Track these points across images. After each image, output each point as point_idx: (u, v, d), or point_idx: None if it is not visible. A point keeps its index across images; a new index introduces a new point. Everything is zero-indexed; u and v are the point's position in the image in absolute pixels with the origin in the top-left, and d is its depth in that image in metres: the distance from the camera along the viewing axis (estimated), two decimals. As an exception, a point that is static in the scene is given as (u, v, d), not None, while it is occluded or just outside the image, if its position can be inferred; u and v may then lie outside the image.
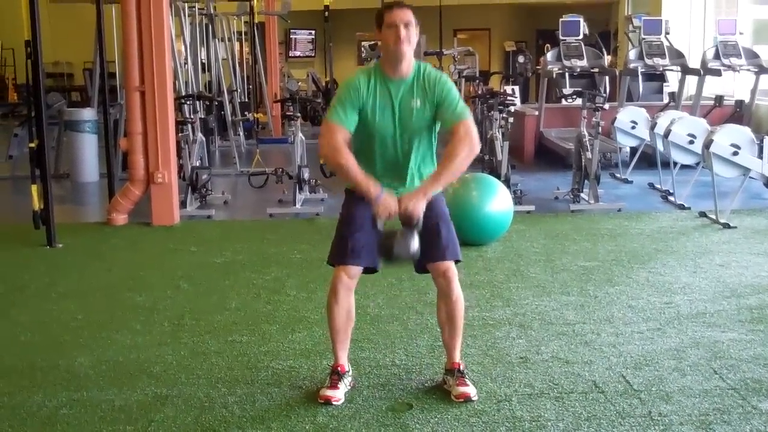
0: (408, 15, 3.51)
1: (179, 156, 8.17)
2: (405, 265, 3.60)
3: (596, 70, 11.69)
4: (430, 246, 3.56)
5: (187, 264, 6.23)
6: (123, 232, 7.40)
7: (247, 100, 14.98)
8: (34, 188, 6.90)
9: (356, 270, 3.62)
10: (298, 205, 8.17)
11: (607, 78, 12.12)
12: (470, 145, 3.51)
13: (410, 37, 3.50)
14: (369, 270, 3.68)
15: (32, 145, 6.91)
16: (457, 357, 3.78)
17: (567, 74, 11.70)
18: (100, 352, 4.34)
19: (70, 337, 4.60)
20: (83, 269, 6.18)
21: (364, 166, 3.53)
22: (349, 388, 3.75)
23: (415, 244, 3.42)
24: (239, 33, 15.57)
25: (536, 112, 11.68)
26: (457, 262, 3.67)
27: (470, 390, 3.67)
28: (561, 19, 11.78)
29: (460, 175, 3.76)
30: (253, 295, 5.33)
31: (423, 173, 3.65)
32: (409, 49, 3.51)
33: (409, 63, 3.55)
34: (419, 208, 3.44)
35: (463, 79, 16.30)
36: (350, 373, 3.80)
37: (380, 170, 3.61)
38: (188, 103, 8.89)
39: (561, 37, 11.57)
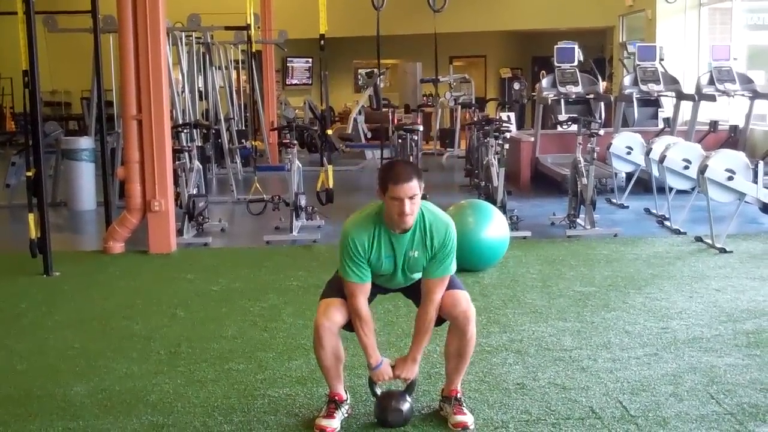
0: (413, 188, 3.43)
1: (176, 184, 8.19)
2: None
3: (591, 96, 11.76)
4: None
5: (184, 292, 6.22)
6: (120, 261, 7.41)
7: (244, 127, 15.03)
8: (31, 217, 6.91)
9: (332, 333, 3.63)
10: (295, 232, 8.18)
11: (602, 104, 12.19)
12: (435, 308, 3.63)
13: (415, 208, 3.47)
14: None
15: (29, 173, 6.93)
16: (457, 385, 3.78)
17: (562, 100, 11.77)
18: (97, 381, 4.33)
19: (67, 366, 4.59)
20: (80, 298, 6.18)
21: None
22: (346, 416, 3.75)
23: (406, 407, 3.70)
24: (236, 61, 15.66)
25: (532, 139, 11.73)
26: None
27: (467, 419, 3.67)
28: (556, 46, 11.86)
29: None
30: (249, 323, 5.33)
31: None
32: (413, 219, 3.50)
33: (413, 223, 3.55)
34: (413, 373, 3.70)
35: (459, 106, 16.43)
36: (347, 401, 3.79)
37: (381, 286, 3.77)
38: (185, 131, 8.92)
39: (556, 64, 11.65)
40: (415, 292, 3.74)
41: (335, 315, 3.60)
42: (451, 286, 3.65)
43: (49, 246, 6.89)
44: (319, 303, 3.69)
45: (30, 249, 6.92)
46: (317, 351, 3.64)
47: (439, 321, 3.72)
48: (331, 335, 3.61)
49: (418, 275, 3.68)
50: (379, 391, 3.76)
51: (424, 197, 3.64)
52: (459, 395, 3.76)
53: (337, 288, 3.67)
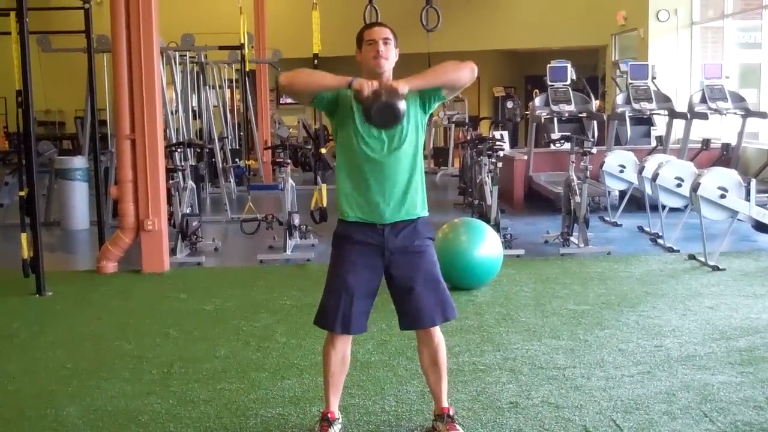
0: (387, 32, 3.56)
1: (169, 203, 8.18)
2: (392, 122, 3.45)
3: (584, 114, 11.81)
4: (415, 312, 3.60)
5: (177, 311, 6.21)
6: (113, 280, 7.39)
7: (238, 147, 15.04)
8: (23, 236, 6.90)
9: (345, 338, 3.64)
10: (288, 251, 8.17)
11: (595, 122, 12.24)
12: (467, 65, 3.53)
13: (389, 52, 3.54)
14: None
15: (22, 193, 6.92)
16: (445, 401, 3.76)
17: (555, 119, 11.83)
18: (89, 401, 4.31)
19: (59, 386, 4.57)
20: (72, 317, 6.16)
21: (352, 186, 3.56)
22: (339, 435, 3.74)
23: (400, 101, 3.38)
24: (230, 80, 15.69)
25: (525, 157, 11.75)
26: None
27: (461, 435, 3.66)
28: (549, 65, 11.92)
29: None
30: (242, 343, 5.32)
31: (412, 200, 3.61)
32: (388, 65, 3.53)
33: (388, 79, 3.54)
34: (401, 86, 3.40)
35: (453, 125, 16.47)
36: (340, 420, 3.78)
37: (366, 190, 3.56)
38: (179, 150, 8.93)
39: (549, 83, 11.70)
40: (403, 279, 3.61)
41: (341, 338, 3.64)
42: (431, 320, 3.63)
43: (41, 265, 6.88)
44: (317, 319, 3.67)
45: (23, 268, 6.90)
46: (326, 353, 3.66)
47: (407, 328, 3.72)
48: (345, 340, 3.65)
49: (403, 158, 3.55)
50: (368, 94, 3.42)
51: None
52: (451, 412, 3.74)
53: (333, 309, 3.61)
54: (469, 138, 12.98)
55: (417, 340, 3.73)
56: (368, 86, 3.39)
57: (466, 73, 3.53)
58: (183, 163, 8.86)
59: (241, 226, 9.20)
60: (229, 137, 14.59)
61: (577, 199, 8.02)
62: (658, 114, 12.08)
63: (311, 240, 8.76)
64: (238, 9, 12.47)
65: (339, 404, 3.80)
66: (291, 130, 17.54)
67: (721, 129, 12.25)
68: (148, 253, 7.58)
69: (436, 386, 3.75)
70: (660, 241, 8.33)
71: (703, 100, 11.16)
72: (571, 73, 11.79)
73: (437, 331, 3.66)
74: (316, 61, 8.95)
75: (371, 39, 3.53)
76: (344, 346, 3.66)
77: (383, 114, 3.38)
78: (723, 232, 7.50)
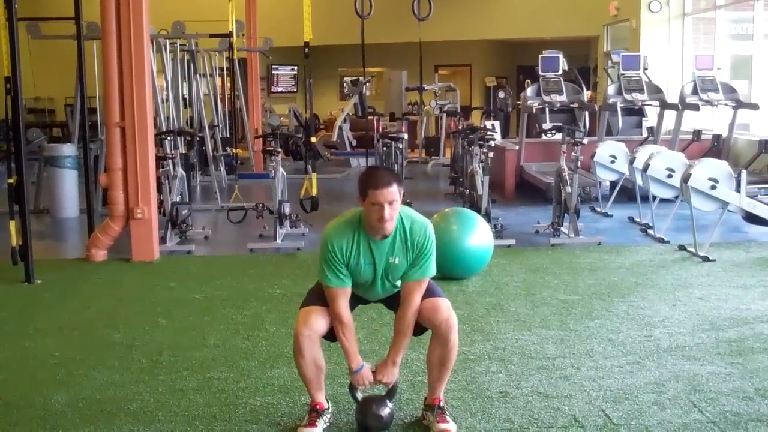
0: (393, 193, 3.44)
1: (159, 191, 8.15)
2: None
3: (576, 105, 11.80)
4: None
5: (166, 300, 6.19)
6: (102, 269, 7.36)
7: (229, 135, 15.00)
8: (12, 224, 6.87)
9: (312, 343, 3.62)
10: (278, 240, 8.15)
11: (586, 113, 12.23)
12: (414, 311, 3.61)
13: (395, 213, 3.48)
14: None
15: (11, 180, 6.88)
16: (440, 393, 3.76)
17: (547, 109, 11.81)
18: (77, 390, 4.29)
19: (47, 375, 4.55)
20: (61, 306, 6.14)
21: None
22: (328, 424, 3.74)
23: (386, 412, 3.68)
24: (221, 68, 15.63)
25: (516, 147, 11.75)
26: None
27: (450, 426, 3.66)
28: (541, 55, 11.89)
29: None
30: (232, 331, 5.30)
31: None
32: (392, 225, 3.51)
33: (393, 228, 3.54)
34: (393, 377, 3.68)
35: (444, 114, 16.46)
36: (329, 409, 3.78)
37: (361, 296, 3.76)
38: (169, 138, 8.89)
39: (541, 73, 11.68)
40: (395, 302, 3.71)
41: (315, 323, 3.58)
42: (431, 293, 3.65)
43: (30, 253, 6.85)
44: (298, 312, 3.67)
45: (11, 256, 6.87)
46: (297, 360, 3.63)
47: (421, 330, 3.71)
48: (311, 344, 3.59)
49: (398, 285, 3.67)
50: (359, 396, 3.74)
51: (408, 204, 3.64)
52: (442, 404, 3.74)
53: (317, 296, 3.66)
54: (460, 128, 12.97)
55: (432, 336, 3.70)
56: (364, 384, 3.69)
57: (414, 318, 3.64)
58: (173, 152, 8.83)
59: (227, 215, 9.18)
60: (220, 125, 14.54)
61: (568, 189, 8.03)
62: (650, 105, 12.08)
63: (302, 229, 8.75)
64: (228, -3, 12.40)
65: (327, 394, 3.80)
66: (282, 118, 17.50)
67: (712, 120, 12.27)
68: (138, 241, 7.55)
69: (436, 381, 3.75)
70: (650, 231, 8.34)
71: (695, 92, 11.16)
72: (562, 64, 11.77)
73: (455, 336, 3.64)
74: (307, 49, 8.91)
75: (377, 202, 3.43)
76: (312, 351, 3.61)
77: (372, 422, 3.68)
78: (713, 223, 7.52)
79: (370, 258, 3.56)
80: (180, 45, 12.84)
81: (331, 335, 3.66)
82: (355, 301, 3.71)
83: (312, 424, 3.66)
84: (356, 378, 3.66)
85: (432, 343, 3.70)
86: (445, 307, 3.62)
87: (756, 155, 10.40)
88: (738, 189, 7.30)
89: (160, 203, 8.23)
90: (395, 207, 3.46)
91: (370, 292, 3.71)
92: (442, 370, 3.71)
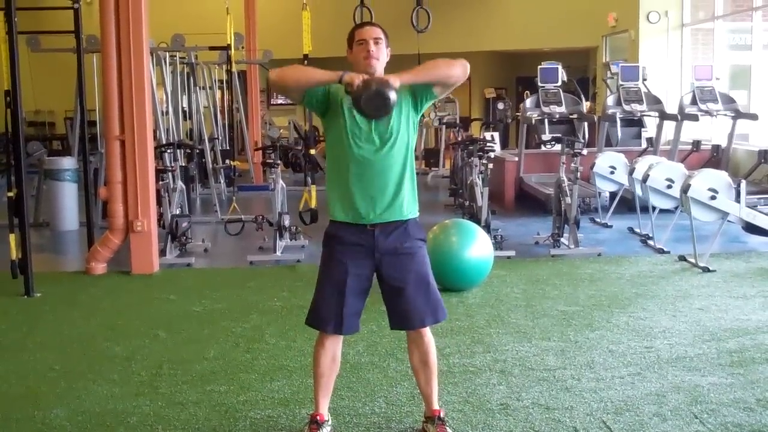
0: (378, 32, 3.55)
1: (159, 204, 8.15)
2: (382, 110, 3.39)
3: (575, 116, 11.81)
4: (405, 312, 3.60)
5: (166, 313, 6.18)
6: (102, 281, 7.35)
7: (228, 147, 15.00)
8: (12, 237, 6.86)
9: (336, 338, 3.63)
10: (278, 253, 8.15)
11: (585, 124, 12.25)
12: (459, 62, 3.50)
13: (380, 52, 3.53)
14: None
15: (11, 194, 6.88)
16: (436, 404, 3.74)
17: (546, 120, 11.81)
18: (77, 403, 4.28)
19: (47, 388, 4.54)
20: (61, 319, 6.12)
21: (342, 185, 3.54)
22: (328, 437, 3.72)
23: (391, 94, 3.34)
24: (221, 81, 15.65)
25: (516, 158, 11.76)
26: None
27: (451, 437, 3.65)
28: (540, 67, 11.92)
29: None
30: (232, 344, 5.29)
31: (402, 201, 3.59)
32: (378, 65, 3.52)
33: (378, 67, 3.54)
34: (391, 78, 3.40)
35: (444, 126, 16.47)
36: (329, 422, 3.77)
37: (356, 190, 3.53)
38: (169, 151, 8.90)
39: (540, 84, 11.70)
40: (394, 289, 3.61)
41: (331, 338, 3.64)
42: (421, 322, 3.62)
43: (30, 266, 6.84)
44: (309, 319, 3.67)
45: (11, 269, 6.86)
46: (316, 352, 3.66)
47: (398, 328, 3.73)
48: (335, 338, 3.64)
49: (394, 158, 3.53)
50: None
51: None
52: (442, 415, 3.73)
53: (324, 309, 3.61)
54: (459, 139, 12.96)
55: (407, 340, 3.72)
56: (359, 78, 3.38)
57: (458, 70, 3.50)
58: (173, 164, 8.83)
59: (225, 227, 9.18)
60: (220, 138, 14.56)
61: (568, 200, 8.02)
62: (649, 115, 12.09)
63: (301, 241, 8.74)
64: (225, 9, 12.43)
65: (329, 406, 3.79)
66: (281, 131, 17.51)
67: (711, 130, 12.28)
68: (138, 254, 7.55)
69: (426, 387, 3.73)
70: (650, 242, 8.34)
71: (694, 102, 11.18)
72: (562, 75, 11.79)
73: (427, 332, 3.65)
74: (306, 62, 8.93)
75: (362, 39, 3.52)
76: (335, 347, 3.65)
77: (373, 102, 3.34)
78: (713, 233, 7.51)
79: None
80: (180, 58, 12.87)
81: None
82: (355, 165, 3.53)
83: (312, 436, 3.65)
84: (350, 75, 3.41)
85: (409, 345, 3.72)
86: (417, 307, 3.60)
87: (755, 165, 10.41)
88: (738, 199, 7.30)
89: (160, 216, 8.22)
90: (380, 47, 3.52)
91: (364, 167, 3.52)
92: (426, 371, 3.69)
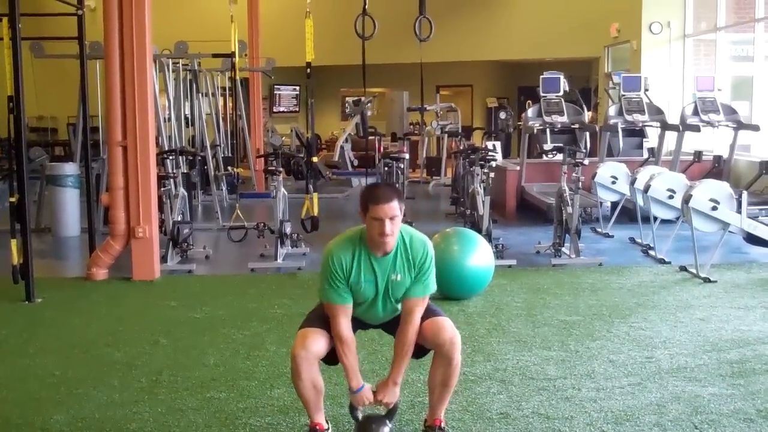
0: (394, 208, 3.45)
1: (161, 210, 8.16)
2: None
3: (576, 126, 11.80)
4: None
5: (167, 319, 6.18)
6: (103, 287, 7.36)
7: (231, 155, 15.02)
8: (13, 242, 6.87)
9: (310, 366, 3.59)
10: (279, 260, 8.15)
11: (587, 134, 12.25)
12: (415, 329, 3.60)
13: (396, 229, 3.48)
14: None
15: (13, 199, 6.89)
16: (441, 414, 3.75)
17: (548, 130, 11.83)
18: (77, 409, 4.28)
19: (47, 394, 4.55)
20: (62, 324, 6.13)
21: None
22: (328, 445, 3.72)
23: (385, 431, 3.66)
24: (223, 88, 15.68)
25: (518, 167, 11.76)
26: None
27: (451, 447, 3.64)
28: (542, 76, 11.92)
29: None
30: (232, 351, 5.29)
31: None
32: (394, 240, 3.51)
33: (394, 244, 3.55)
34: (393, 397, 3.65)
35: (446, 135, 16.50)
36: (329, 430, 3.76)
37: (361, 319, 3.73)
38: (171, 158, 8.91)
39: (542, 94, 11.70)
40: (395, 327, 3.68)
41: (313, 345, 3.55)
42: (433, 313, 3.64)
43: (31, 272, 6.85)
44: (297, 334, 3.66)
45: (12, 275, 6.87)
46: (295, 382, 3.61)
47: (423, 351, 3.69)
48: (309, 366, 3.55)
49: (399, 307, 3.65)
50: (359, 416, 3.72)
51: (409, 223, 3.64)
52: (443, 424, 3.74)
53: (317, 317, 3.64)
54: (461, 148, 12.98)
55: (434, 356, 3.68)
56: (361, 410, 3.68)
57: (414, 334, 3.61)
58: (175, 171, 8.84)
59: (228, 234, 9.19)
60: (222, 145, 14.58)
61: (569, 209, 8.03)
62: (651, 126, 12.09)
63: (302, 249, 8.75)
64: (230, 17, 12.45)
65: (327, 415, 3.79)
66: (284, 138, 17.53)
67: (713, 141, 12.28)
68: (139, 260, 7.55)
69: (437, 402, 3.73)
70: (651, 252, 8.34)
71: (696, 113, 11.18)
72: (564, 85, 11.79)
73: (459, 355, 3.62)
74: (309, 70, 8.94)
75: (378, 217, 3.44)
76: (310, 373, 3.58)
77: None
78: (714, 244, 7.51)
79: (371, 275, 3.55)
80: (182, 65, 12.89)
81: (329, 358, 3.64)
82: (356, 324, 3.68)
83: (311, 444, 3.65)
84: (356, 398, 3.63)
85: (434, 362, 3.68)
86: (449, 326, 3.61)
87: (757, 176, 10.41)
88: (739, 210, 7.30)
89: (162, 222, 8.23)
90: (396, 223, 3.46)
91: (371, 312, 3.68)
92: (443, 391, 3.69)
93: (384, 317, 3.73)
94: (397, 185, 10.78)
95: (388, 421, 3.70)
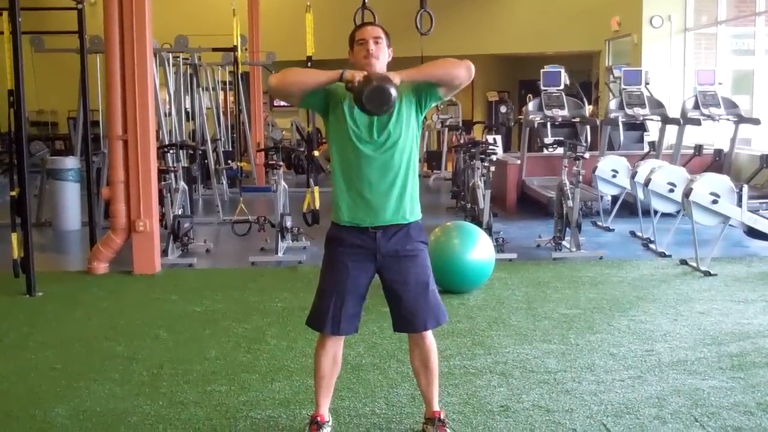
0: (378, 31, 3.54)
1: (161, 204, 8.16)
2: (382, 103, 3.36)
3: (577, 119, 11.80)
4: (408, 315, 3.59)
5: (168, 313, 6.19)
6: (103, 281, 7.36)
7: (231, 149, 15.02)
8: (14, 236, 6.87)
9: (336, 339, 3.63)
10: (280, 254, 8.16)
11: (588, 127, 12.24)
12: (464, 63, 3.48)
13: (380, 51, 3.51)
14: None
15: (13, 193, 6.89)
16: (436, 405, 3.75)
17: (548, 124, 11.82)
18: (78, 402, 4.29)
19: (48, 387, 4.55)
20: (63, 318, 6.13)
21: (345, 186, 3.53)
22: (328, 438, 3.73)
23: (391, 89, 3.33)
24: (224, 82, 15.67)
25: (518, 161, 11.76)
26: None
27: (451, 439, 3.65)
28: (542, 70, 11.92)
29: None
30: (233, 344, 5.30)
31: (405, 204, 3.58)
32: (379, 64, 3.50)
33: (378, 67, 3.52)
34: (392, 74, 3.41)
35: (446, 129, 16.49)
36: (330, 423, 3.77)
37: (357, 191, 3.52)
38: (171, 151, 8.90)
39: (542, 88, 11.69)
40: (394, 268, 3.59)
41: (331, 339, 3.64)
42: (423, 325, 3.62)
43: (32, 266, 6.85)
44: (309, 320, 3.68)
45: (13, 269, 6.88)
46: (317, 353, 3.66)
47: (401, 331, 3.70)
48: (336, 339, 3.64)
49: (397, 161, 3.51)
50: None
51: None
52: (442, 416, 3.74)
53: (324, 310, 3.61)
54: (462, 142, 12.99)
55: (408, 342, 3.72)
56: (359, 74, 3.40)
57: (462, 71, 3.48)
58: (175, 165, 8.84)
59: (232, 228, 9.20)
60: (222, 139, 14.58)
61: (570, 203, 8.03)
62: (651, 119, 12.08)
63: (303, 242, 8.75)
64: (232, 11, 12.45)
65: (329, 407, 3.79)
66: (284, 132, 17.53)
67: (713, 135, 12.27)
68: (140, 254, 7.56)
69: (426, 389, 3.74)
70: (652, 246, 8.34)
71: (696, 106, 11.17)
72: (564, 78, 11.79)
73: (429, 335, 3.66)
74: (309, 63, 8.93)
75: (362, 38, 3.52)
76: (335, 348, 3.65)
77: (374, 98, 3.32)
78: (715, 237, 7.51)
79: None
80: (183, 59, 12.89)
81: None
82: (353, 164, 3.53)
83: (312, 436, 3.66)
84: (350, 72, 3.43)
85: (410, 346, 3.72)
86: (416, 311, 3.61)
87: (757, 170, 10.41)
88: (739, 203, 7.30)
89: (162, 216, 8.24)
90: (380, 46, 3.51)
91: (367, 168, 3.51)
92: (427, 374, 3.70)
93: (380, 151, 3.51)
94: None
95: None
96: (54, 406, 4.23)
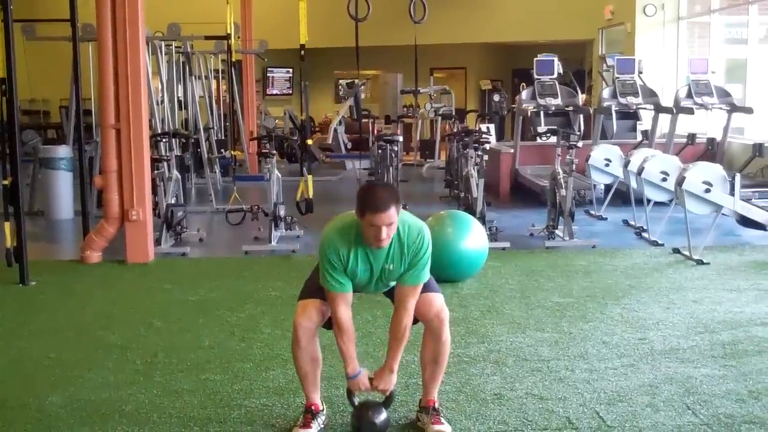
0: (391, 216, 3.42)
1: (154, 193, 8.15)
2: None
3: (570, 108, 11.80)
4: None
5: (161, 302, 6.19)
6: (97, 270, 7.36)
7: (224, 137, 14.99)
8: (7, 225, 6.87)
9: (311, 337, 3.63)
10: (273, 243, 8.15)
11: (581, 116, 12.24)
12: (410, 316, 3.61)
13: (391, 232, 3.47)
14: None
15: (6, 182, 6.88)
16: (434, 395, 3.77)
17: (542, 112, 11.81)
18: (72, 391, 4.29)
19: (42, 376, 4.56)
20: (56, 307, 6.13)
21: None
22: (323, 426, 3.74)
23: (381, 419, 3.67)
24: (216, 71, 15.63)
25: (511, 150, 11.77)
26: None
27: (445, 428, 3.67)
28: (536, 59, 11.91)
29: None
30: (227, 333, 5.31)
31: None
32: (389, 241, 3.50)
33: (389, 243, 3.53)
34: (390, 384, 3.68)
35: (440, 117, 16.49)
36: (324, 411, 3.78)
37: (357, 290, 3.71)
38: (164, 140, 8.88)
39: (536, 76, 11.69)
40: (391, 293, 3.74)
41: (314, 314, 3.61)
42: (426, 288, 3.65)
43: (25, 255, 6.84)
44: (297, 303, 3.69)
45: (6, 258, 6.88)
46: (295, 352, 3.65)
47: (414, 320, 3.71)
48: (310, 335, 3.62)
49: (393, 283, 3.68)
50: (356, 401, 3.73)
51: (404, 207, 3.64)
52: (436, 405, 3.75)
53: (315, 288, 3.65)
54: (455, 131, 12.98)
55: (424, 332, 3.73)
56: (357, 396, 3.69)
57: (409, 326, 3.66)
58: (168, 153, 8.83)
59: (226, 217, 9.19)
60: (215, 128, 14.55)
61: (563, 192, 8.03)
62: (644, 108, 12.08)
63: (297, 231, 8.75)
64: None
65: (322, 395, 3.81)
66: (277, 121, 17.51)
67: (706, 124, 12.29)
68: (133, 243, 7.55)
69: (429, 381, 3.76)
70: (645, 234, 8.36)
71: (689, 95, 11.19)
72: (557, 67, 11.78)
73: (447, 329, 3.67)
74: (302, 52, 8.91)
75: (374, 224, 3.42)
76: (310, 343, 3.64)
77: (366, 429, 3.68)
78: (707, 226, 7.54)
79: (367, 264, 3.56)
80: (175, 47, 12.85)
81: (329, 324, 3.67)
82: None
83: (307, 425, 3.67)
84: (353, 384, 3.66)
85: (424, 338, 3.73)
86: (437, 301, 3.65)
87: (750, 159, 10.43)
88: (732, 192, 7.32)
89: (155, 205, 8.22)
90: (392, 228, 3.46)
91: (366, 289, 3.73)
92: (435, 368, 3.72)
93: (379, 290, 3.78)
94: (390, 168, 10.78)
95: (384, 408, 3.71)
96: (48, 395, 4.23)
